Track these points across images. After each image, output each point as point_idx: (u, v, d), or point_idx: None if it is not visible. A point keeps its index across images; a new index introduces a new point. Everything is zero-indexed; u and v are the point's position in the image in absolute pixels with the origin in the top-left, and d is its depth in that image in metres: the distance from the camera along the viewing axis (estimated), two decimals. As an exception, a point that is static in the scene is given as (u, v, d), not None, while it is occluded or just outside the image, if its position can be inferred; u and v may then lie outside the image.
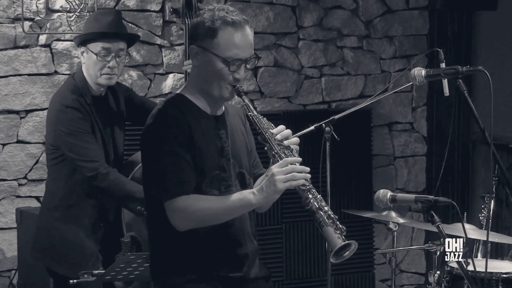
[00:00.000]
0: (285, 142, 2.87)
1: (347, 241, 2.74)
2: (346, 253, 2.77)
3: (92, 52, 3.99)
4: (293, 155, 2.85)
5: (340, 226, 2.76)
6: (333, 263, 2.82)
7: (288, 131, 2.91)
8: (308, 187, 2.78)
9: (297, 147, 2.91)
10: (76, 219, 4.06)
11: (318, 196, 2.80)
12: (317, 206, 2.77)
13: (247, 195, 2.81)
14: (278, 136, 2.87)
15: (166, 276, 2.95)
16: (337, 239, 2.73)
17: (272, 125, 2.93)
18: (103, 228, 4.12)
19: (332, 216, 2.78)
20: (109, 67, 3.99)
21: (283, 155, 2.82)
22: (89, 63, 4.02)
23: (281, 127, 2.91)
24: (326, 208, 2.79)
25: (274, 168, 2.76)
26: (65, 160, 4.02)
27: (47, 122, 4.13)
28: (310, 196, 2.78)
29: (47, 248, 4.13)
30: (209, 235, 2.90)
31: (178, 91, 3.02)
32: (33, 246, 4.21)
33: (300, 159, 2.81)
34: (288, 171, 2.75)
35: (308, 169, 2.79)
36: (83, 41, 4.03)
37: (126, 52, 4.08)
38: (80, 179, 4.01)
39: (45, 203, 4.25)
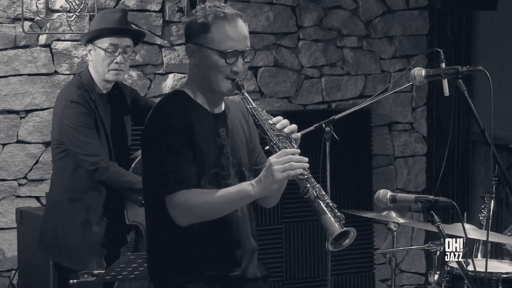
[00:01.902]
0: (285, 130, 2.87)
1: (345, 228, 2.71)
2: (346, 241, 2.74)
3: (100, 48, 4.08)
4: (292, 146, 2.84)
5: (339, 214, 2.74)
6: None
7: (286, 121, 2.90)
8: (306, 176, 2.77)
9: (299, 135, 2.90)
10: (80, 213, 4.12)
11: (317, 185, 2.77)
12: (315, 195, 2.75)
13: (246, 187, 2.80)
14: (278, 126, 2.87)
15: (164, 276, 2.94)
16: (335, 226, 2.71)
17: (271, 116, 2.91)
18: (106, 221, 4.17)
19: (331, 204, 2.76)
20: (116, 62, 4.09)
21: (281, 146, 2.82)
22: (97, 59, 4.10)
23: (279, 117, 2.91)
24: (324, 196, 2.77)
25: (272, 159, 2.76)
26: (70, 155, 4.10)
27: (53, 117, 4.22)
28: (308, 185, 2.76)
29: (52, 240, 4.20)
30: (207, 234, 2.89)
31: (179, 88, 3.04)
32: (39, 239, 4.28)
33: (298, 150, 2.80)
34: (286, 161, 2.74)
35: (306, 159, 2.78)
36: (91, 38, 4.12)
37: (132, 49, 4.17)
38: (84, 173, 4.08)
39: (50, 196, 4.34)
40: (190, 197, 2.81)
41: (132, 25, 5.28)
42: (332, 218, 2.72)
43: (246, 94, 2.92)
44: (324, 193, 2.78)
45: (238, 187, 2.83)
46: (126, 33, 4.14)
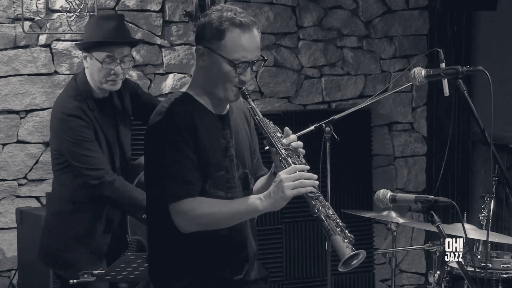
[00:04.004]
0: (293, 144, 2.86)
1: (356, 251, 2.71)
2: (354, 261, 2.74)
3: (96, 59, 3.92)
4: (300, 160, 2.82)
5: (349, 234, 2.73)
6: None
7: (294, 136, 2.88)
8: (316, 194, 2.75)
9: (303, 151, 2.89)
10: (81, 224, 4.01)
11: (326, 204, 2.76)
12: (325, 214, 2.73)
13: (254, 201, 2.77)
14: (285, 141, 2.85)
15: (166, 280, 2.92)
16: (345, 248, 2.70)
17: (278, 129, 2.90)
18: (109, 232, 4.07)
19: (341, 224, 2.74)
20: (114, 73, 3.93)
21: (290, 161, 2.80)
22: (93, 69, 3.94)
23: (287, 131, 2.90)
24: (334, 216, 2.75)
25: (282, 175, 2.72)
26: (70, 166, 3.96)
27: (51, 129, 4.07)
28: (318, 203, 2.74)
29: (52, 252, 4.09)
30: (210, 238, 2.87)
31: (183, 90, 2.98)
32: (39, 250, 4.17)
33: (308, 166, 2.78)
34: (296, 177, 2.71)
35: (316, 176, 2.75)
36: (86, 48, 3.96)
37: (130, 57, 4.01)
38: (85, 184, 3.94)
39: (51, 207, 4.21)
40: (196, 206, 2.78)
41: (131, 25, 5.30)
42: (342, 240, 2.71)
43: (253, 104, 2.89)
44: (332, 211, 2.77)
45: (246, 200, 2.80)
46: (123, 44, 3.96)
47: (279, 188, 2.71)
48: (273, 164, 2.92)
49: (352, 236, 2.73)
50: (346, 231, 2.74)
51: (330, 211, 2.75)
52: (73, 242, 4.02)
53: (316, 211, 2.73)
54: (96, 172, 3.88)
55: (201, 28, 2.89)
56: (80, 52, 4.08)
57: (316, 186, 2.75)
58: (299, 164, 2.79)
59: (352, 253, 2.70)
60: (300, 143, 2.89)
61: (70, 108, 3.92)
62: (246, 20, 2.84)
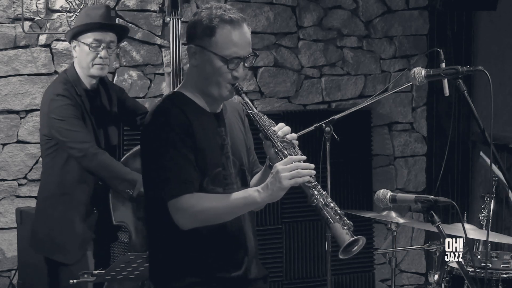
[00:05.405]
0: (288, 137, 2.87)
1: (355, 237, 2.72)
2: (355, 248, 2.75)
3: (84, 43, 4.14)
4: (296, 152, 2.84)
5: (348, 221, 2.73)
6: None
7: (288, 128, 2.90)
8: (313, 183, 2.76)
9: (297, 142, 2.91)
10: (70, 206, 4.18)
11: (324, 192, 2.77)
12: (323, 203, 2.74)
13: (252, 193, 2.79)
14: (280, 133, 2.87)
15: (166, 279, 2.93)
16: (345, 235, 2.70)
17: (273, 122, 2.91)
18: (96, 213, 4.24)
19: (339, 211, 2.75)
20: (100, 57, 4.15)
21: (286, 153, 2.81)
22: (81, 55, 4.16)
23: (281, 124, 2.91)
24: (332, 204, 2.76)
25: (279, 166, 2.74)
26: (59, 149, 4.15)
27: (41, 115, 4.28)
28: (316, 192, 2.75)
29: (43, 236, 4.24)
30: (209, 236, 2.88)
31: (176, 89, 3.01)
32: (32, 236, 4.32)
33: (304, 157, 2.80)
34: (293, 168, 2.73)
35: (312, 165, 2.77)
36: (75, 34, 4.18)
37: (116, 45, 4.25)
38: (74, 166, 4.14)
39: (40, 193, 4.38)
40: (194, 202, 2.79)
41: (131, 25, 5.30)
42: (341, 227, 2.72)
43: (247, 99, 2.91)
44: (330, 199, 2.77)
45: (244, 193, 2.81)
46: (109, 28, 4.19)
47: (276, 179, 2.73)
48: (267, 157, 2.93)
49: (351, 223, 2.74)
50: (345, 218, 2.74)
51: (328, 200, 2.76)
52: (63, 224, 4.18)
53: (314, 200, 2.74)
54: (81, 144, 4.08)
55: (191, 27, 2.92)
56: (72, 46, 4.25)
57: (313, 176, 2.76)
58: (295, 155, 2.80)
59: (351, 239, 2.71)
60: (294, 135, 2.90)
61: (60, 90, 4.14)
62: (236, 16, 2.87)
